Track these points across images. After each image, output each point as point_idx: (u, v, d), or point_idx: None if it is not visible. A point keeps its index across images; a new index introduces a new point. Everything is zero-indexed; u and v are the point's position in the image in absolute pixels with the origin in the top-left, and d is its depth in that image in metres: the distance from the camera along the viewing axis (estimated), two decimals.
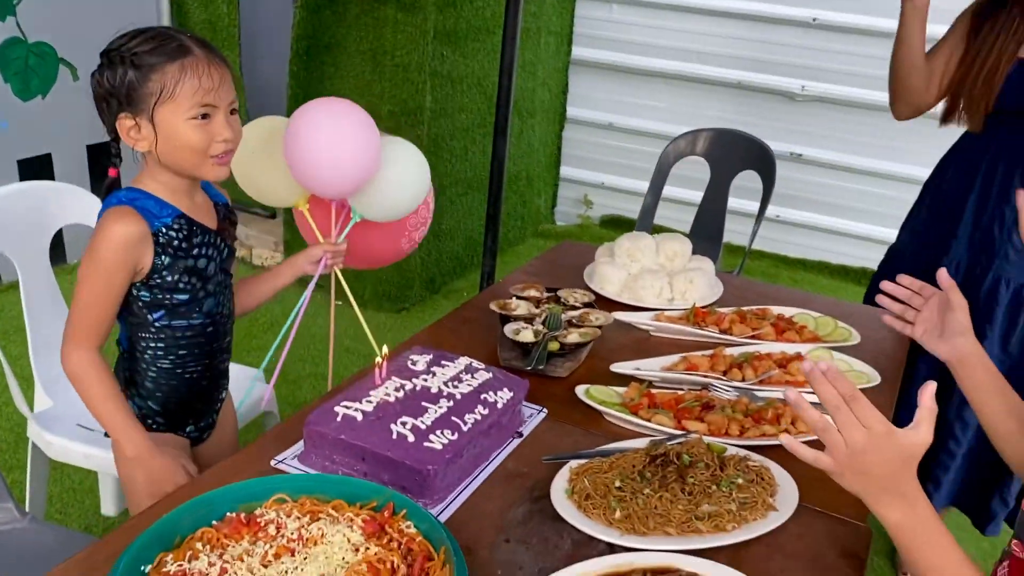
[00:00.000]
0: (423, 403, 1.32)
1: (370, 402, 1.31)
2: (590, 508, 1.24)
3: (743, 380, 1.62)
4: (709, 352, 1.71)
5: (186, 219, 1.45)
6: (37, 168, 3.55)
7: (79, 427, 1.90)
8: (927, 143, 2.26)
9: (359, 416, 1.28)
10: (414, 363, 1.45)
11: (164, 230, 1.41)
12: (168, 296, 1.45)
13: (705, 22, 4.31)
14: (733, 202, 3.22)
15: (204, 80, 1.36)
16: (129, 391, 1.54)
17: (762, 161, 3.09)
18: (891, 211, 2.37)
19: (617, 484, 1.27)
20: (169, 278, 1.43)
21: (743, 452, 1.38)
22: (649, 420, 1.47)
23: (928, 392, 0.99)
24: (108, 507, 1.91)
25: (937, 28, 2.09)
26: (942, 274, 1.38)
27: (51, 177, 3.66)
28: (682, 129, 3.35)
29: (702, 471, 1.29)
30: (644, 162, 4.16)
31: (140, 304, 1.45)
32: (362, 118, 1.99)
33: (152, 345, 1.49)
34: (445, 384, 1.39)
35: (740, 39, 4.27)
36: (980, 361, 1.33)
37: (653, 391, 1.56)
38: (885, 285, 1.50)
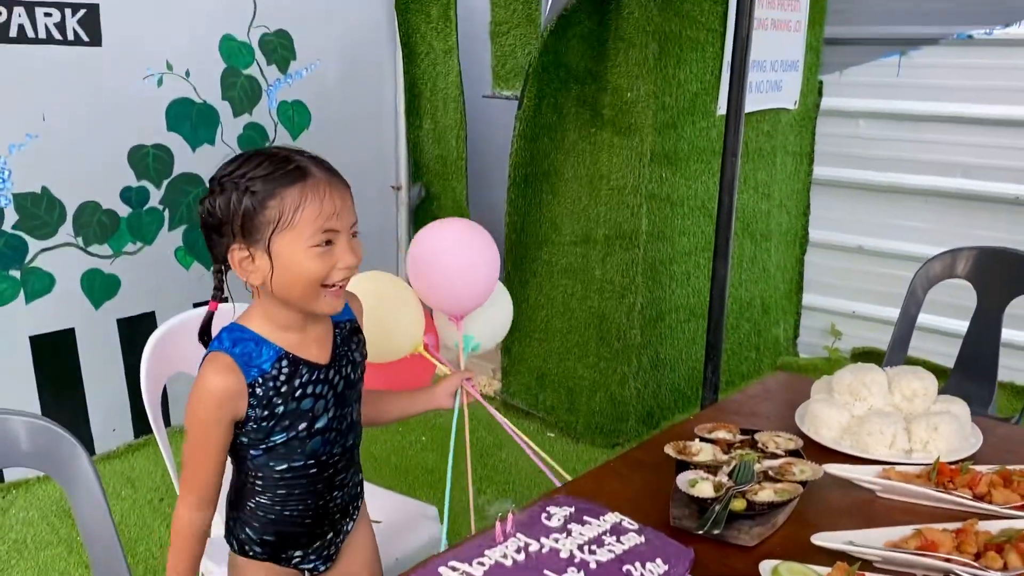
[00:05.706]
0: (546, 571, 1.06)
1: (482, 564, 1.07)
2: None
3: (1004, 569, 1.18)
4: (956, 525, 1.28)
5: (289, 359, 1.31)
6: None
7: None
8: None
9: None
10: (548, 516, 1.19)
11: (261, 380, 1.28)
12: (265, 440, 1.32)
13: (973, 132, 3.80)
14: (1009, 333, 2.65)
15: (326, 204, 1.23)
16: (232, 512, 1.44)
17: None
18: None
19: None
20: (264, 424, 1.30)
21: None
22: None
23: None
24: None
25: None
26: None
27: None
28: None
29: None
30: (901, 288, 3.65)
31: (239, 444, 1.33)
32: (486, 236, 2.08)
33: (251, 479, 1.37)
34: (580, 548, 1.11)
35: (1018, 148, 3.70)
36: None
37: None
38: None
